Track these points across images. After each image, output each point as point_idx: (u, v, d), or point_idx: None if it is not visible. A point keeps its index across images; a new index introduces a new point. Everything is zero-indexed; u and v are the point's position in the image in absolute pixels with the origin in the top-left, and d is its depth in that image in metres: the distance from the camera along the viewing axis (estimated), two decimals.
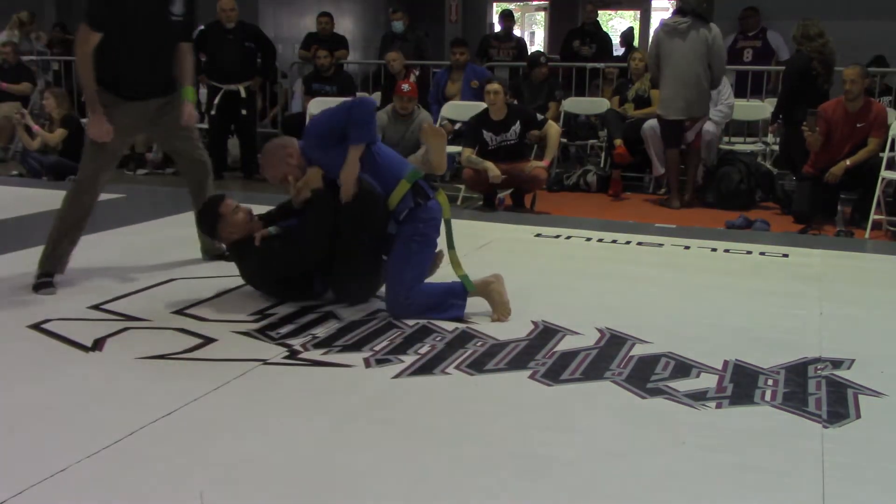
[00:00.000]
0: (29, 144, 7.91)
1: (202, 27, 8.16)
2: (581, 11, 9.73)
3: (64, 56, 10.13)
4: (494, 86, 6.38)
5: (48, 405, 2.73)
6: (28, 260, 4.26)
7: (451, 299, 3.67)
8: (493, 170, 6.18)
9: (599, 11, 10.62)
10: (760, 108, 7.61)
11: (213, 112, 7.70)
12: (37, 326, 3.46)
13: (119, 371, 3.03)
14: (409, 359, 3.17)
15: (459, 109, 7.70)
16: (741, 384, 2.98)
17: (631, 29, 13.05)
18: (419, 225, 3.67)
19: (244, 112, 7.84)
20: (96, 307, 3.74)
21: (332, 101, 7.71)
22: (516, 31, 10.85)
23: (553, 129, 6.36)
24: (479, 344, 3.34)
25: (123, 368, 3.06)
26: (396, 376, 3.02)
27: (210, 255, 4.53)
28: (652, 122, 7.33)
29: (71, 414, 2.66)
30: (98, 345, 3.27)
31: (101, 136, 3.92)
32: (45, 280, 3.99)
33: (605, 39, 9.86)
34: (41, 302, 3.80)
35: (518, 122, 6.32)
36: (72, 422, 2.60)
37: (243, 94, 7.68)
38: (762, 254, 5.06)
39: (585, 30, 9.58)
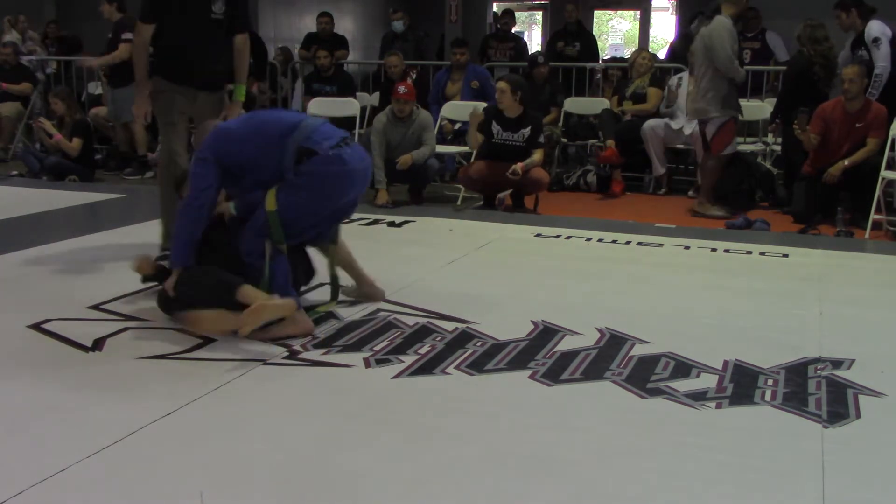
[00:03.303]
0: (49, 145, 7.91)
1: None
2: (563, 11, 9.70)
3: (63, 56, 10.14)
4: (501, 83, 6.39)
5: (48, 405, 2.72)
6: (28, 260, 4.27)
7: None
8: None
9: (600, 12, 10.61)
10: (760, 109, 7.61)
11: None
12: (37, 326, 3.46)
13: (119, 371, 3.03)
14: (408, 359, 3.17)
15: (459, 109, 7.71)
16: (741, 384, 2.98)
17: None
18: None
19: (242, 112, 7.81)
20: (96, 307, 3.74)
21: (333, 101, 7.79)
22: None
23: (538, 155, 6.33)
24: (479, 344, 3.34)
25: (123, 368, 3.06)
26: (396, 376, 3.02)
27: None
28: (651, 122, 7.34)
29: (71, 414, 2.66)
30: (98, 345, 3.27)
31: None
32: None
33: (590, 39, 9.86)
34: (41, 302, 3.80)
35: (529, 128, 6.32)
36: (72, 422, 2.60)
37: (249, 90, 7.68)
38: (762, 254, 5.06)
39: (568, 30, 9.58)
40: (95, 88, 9.51)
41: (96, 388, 2.88)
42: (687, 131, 7.15)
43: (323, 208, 3.54)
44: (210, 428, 2.59)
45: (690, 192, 7.25)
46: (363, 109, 7.85)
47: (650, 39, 16.36)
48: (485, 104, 6.91)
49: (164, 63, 4.58)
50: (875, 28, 6.47)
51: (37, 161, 7.89)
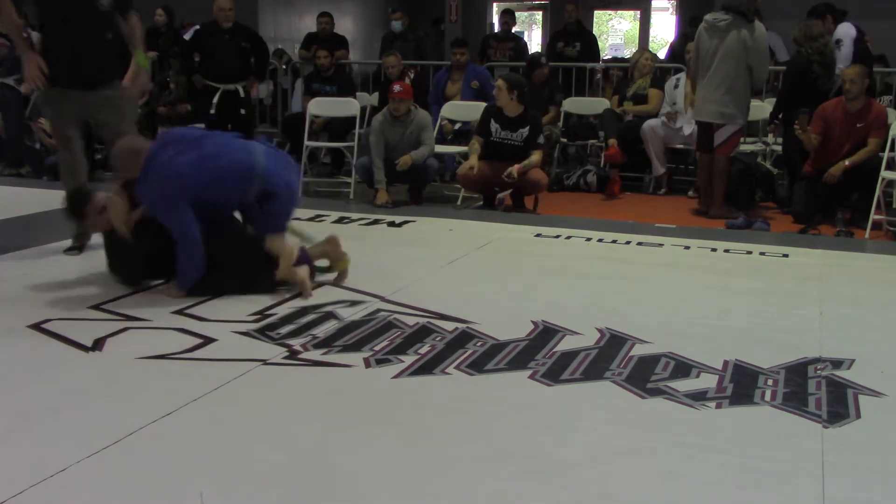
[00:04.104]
0: (49, 144, 7.88)
1: (198, 27, 8.16)
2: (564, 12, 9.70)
3: None
4: (498, 82, 6.42)
5: (48, 405, 2.72)
6: (28, 260, 4.27)
7: None
8: (473, 163, 6.31)
9: (600, 11, 10.61)
10: (760, 109, 7.60)
11: (212, 111, 7.69)
12: (37, 326, 3.46)
13: (119, 371, 3.03)
14: (408, 359, 3.17)
15: (459, 109, 7.70)
16: (741, 384, 2.98)
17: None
18: None
19: (242, 112, 7.83)
20: (96, 307, 3.74)
21: (333, 101, 7.79)
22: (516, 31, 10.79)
23: (536, 156, 6.31)
24: (479, 344, 3.34)
25: (123, 368, 3.06)
26: (396, 376, 3.02)
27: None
28: (651, 122, 7.34)
29: (71, 414, 2.66)
30: (98, 345, 3.27)
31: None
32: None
33: (590, 39, 9.86)
34: (41, 302, 3.80)
35: (528, 128, 6.31)
36: (72, 422, 2.60)
37: (242, 93, 7.68)
38: (762, 254, 5.06)
39: (568, 30, 9.58)
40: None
41: (96, 388, 2.88)
42: (686, 131, 7.14)
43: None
44: (210, 428, 2.58)
45: (690, 192, 7.24)
46: (363, 109, 7.85)
47: (650, 39, 16.36)
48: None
49: (53, 66, 4.33)
50: (840, 30, 6.56)
51: (37, 161, 7.87)
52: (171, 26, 9.62)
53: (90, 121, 4.61)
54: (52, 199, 4.44)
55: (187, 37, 8.48)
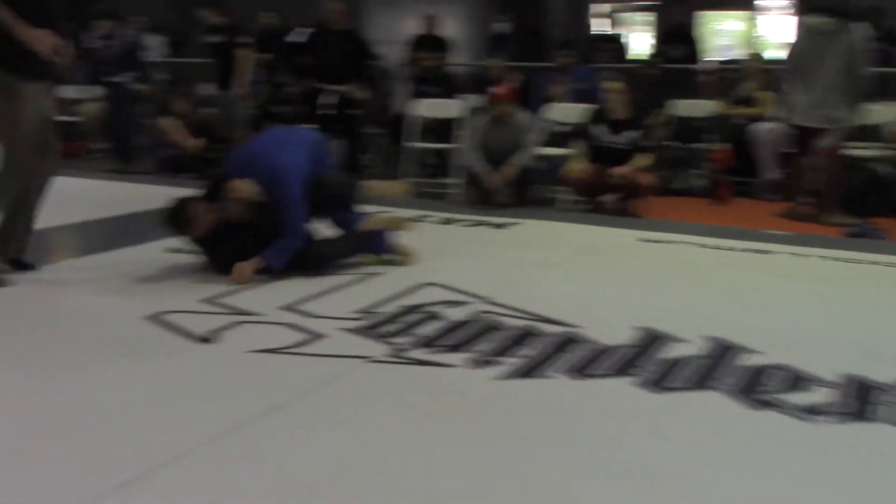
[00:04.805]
0: (170, 143, 8.16)
1: (310, 29, 8.34)
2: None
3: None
4: (612, 85, 6.31)
5: (165, 393, 2.84)
6: (145, 253, 4.45)
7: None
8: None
9: (708, 12, 10.38)
10: (882, 112, 7.27)
11: (326, 112, 7.86)
12: (153, 317, 3.61)
13: (230, 363, 3.14)
14: (511, 361, 3.17)
15: (563, 111, 7.65)
16: (857, 400, 2.86)
17: None
18: None
19: (351, 113, 7.98)
20: (209, 300, 3.87)
21: (436, 103, 7.85)
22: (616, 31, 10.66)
23: (644, 159, 6.20)
24: (583, 349, 3.31)
25: (234, 360, 3.16)
26: (498, 378, 3.02)
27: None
28: (764, 125, 7.12)
29: (185, 403, 2.77)
30: (211, 337, 3.39)
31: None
32: None
33: (697, 40, 9.65)
34: (158, 294, 3.96)
35: (635, 131, 6.22)
36: (186, 411, 2.70)
37: (354, 94, 7.83)
38: (881, 264, 4.84)
39: (675, 32, 9.40)
40: (207, 89, 9.82)
41: (207, 380, 2.99)
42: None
43: None
44: (316, 422, 2.64)
45: (801, 198, 6.98)
46: (466, 111, 7.87)
47: (762, 41, 15.87)
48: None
49: (22, 57, 3.88)
50: None
51: (155, 158, 8.20)
52: (280, 29, 9.86)
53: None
54: (170, 195, 4.62)
55: (292, 39, 8.67)
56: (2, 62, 3.89)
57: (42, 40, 3.87)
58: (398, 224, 4.64)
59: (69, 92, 9.57)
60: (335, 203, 4.50)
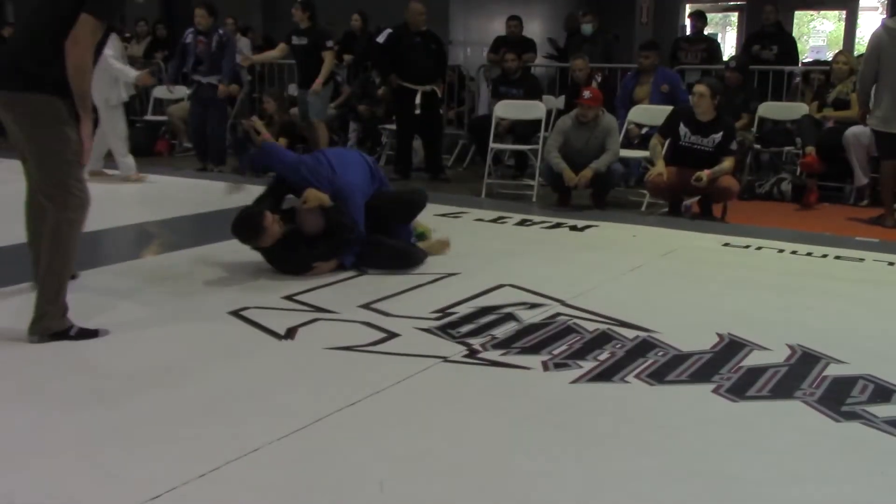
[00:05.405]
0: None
1: (390, 30, 8.43)
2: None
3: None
4: (701, 87, 6.19)
5: (245, 388, 2.91)
6: (230, 251, 4.57)
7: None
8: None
9: (801, 12, 10.07)
10: None
11: (417, 112, 7.93)
12: (236, 313, 3.70)
13: (309, 359, 3.19)
14: (587, 365, 3.15)
15: (647, 114, 7.54)
16: None
17: None
18: None
19: (433, 112, 8.03)
20: (289, 297, 3.95)
21: (518, 104, 7.84)
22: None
23: (728, 163, 6.06)
24: (661, 354, 3.26)
25: (313, 357, 3.21)
26: (574, 381, 3.00)
27: None
28: (854, 129, 6.89)
29: (264, 397, 2.83)
30: (290, 333, 3.46)
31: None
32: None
33: (788, 41, 9.36)
34: (241, 290, 4.06)
35: (721, 133, 6.09)
36: (265, 405, 2.76)
37: (439, 94, 7.89)
38: None
39: (766, 32, 9.14)
40: (295, 90, 10.01)
41: (287, 375, 3.05)
42: None
43: None
44: (391, 420, 2.67)
45: (865, 202, 6.71)
46: (549, 112, 7.84)
47: (856, 41, 15.36)
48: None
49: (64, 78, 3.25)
50: None
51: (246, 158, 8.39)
52: (366, 30, 9.99)
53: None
54: (254, 194, 4.74)
55: (380, 40, 8.77)
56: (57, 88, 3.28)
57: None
58: (441, 248, 4.87)
59: (159, 91, 9.92)
60: (393, 220, 4.70)
